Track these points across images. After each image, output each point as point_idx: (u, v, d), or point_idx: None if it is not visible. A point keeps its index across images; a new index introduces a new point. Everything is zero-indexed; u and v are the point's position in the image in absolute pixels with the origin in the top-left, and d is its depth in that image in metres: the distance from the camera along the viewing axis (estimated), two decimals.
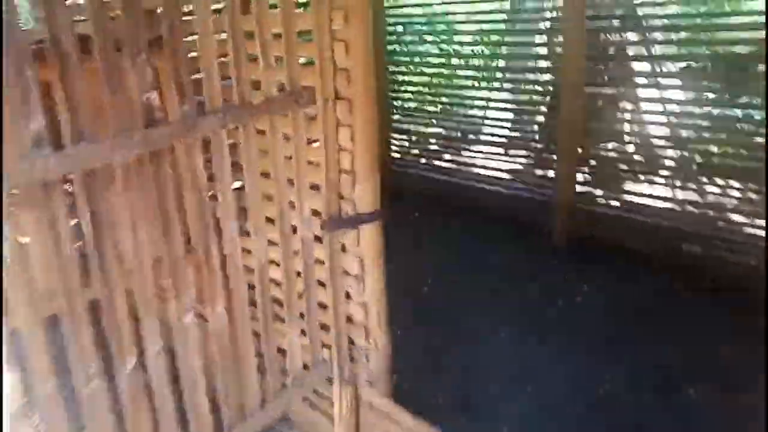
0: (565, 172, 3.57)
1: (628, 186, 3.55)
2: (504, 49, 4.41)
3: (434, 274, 3.32)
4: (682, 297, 2.95)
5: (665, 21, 3.60)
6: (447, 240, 3.77)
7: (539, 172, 3.92)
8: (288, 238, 1.75)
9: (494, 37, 4.27)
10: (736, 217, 3.18)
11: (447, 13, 4.43)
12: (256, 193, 1.63)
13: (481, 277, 3.29)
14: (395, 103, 4.57)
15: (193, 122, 1.40)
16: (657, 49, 3.53)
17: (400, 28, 4.45)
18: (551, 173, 3.76)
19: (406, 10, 4.57)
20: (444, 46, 4.45)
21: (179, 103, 1.38)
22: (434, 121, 4.59)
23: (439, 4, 4.35)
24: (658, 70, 3.57)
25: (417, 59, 4.44)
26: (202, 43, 1.43)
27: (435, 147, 4.55)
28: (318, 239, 1.81)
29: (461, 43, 4.44)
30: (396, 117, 4.57)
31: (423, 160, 4.53)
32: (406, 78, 4.52)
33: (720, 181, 3.35)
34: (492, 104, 4.23)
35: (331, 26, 1.58)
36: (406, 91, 4.61)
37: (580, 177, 3.58)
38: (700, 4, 3.83)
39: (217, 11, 1.48)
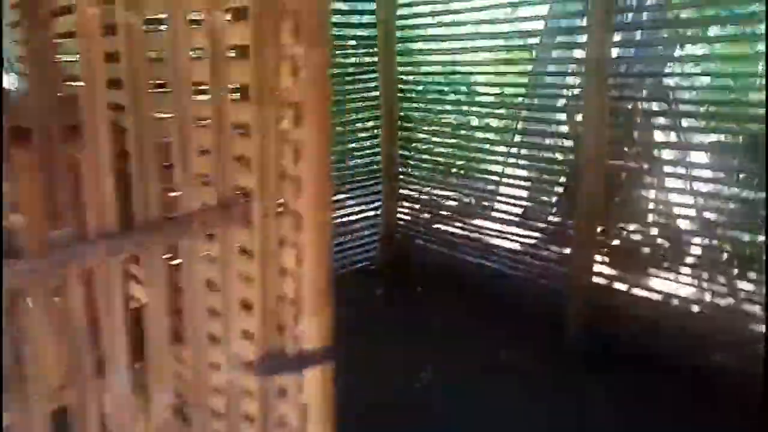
0: (581, 258, 3.17)
1: (652, 278, 3.12)
2: (524, 115, 4.01)
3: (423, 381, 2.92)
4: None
5: (693, 94, 3.26)
6: (444, 331, 3.35)
7: (554, 253, 3.51)
8: (202, 389, 1.36)
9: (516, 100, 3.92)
10: None
11: (466, 72, 4.08)
12: (159, 331, 1.24)
13: (475, 385, 2.85)
14: (404, 169, 4.19)
15: (64, 255, 1.03)
16: (684, 123, 3.17)
17: (415, 88, 4.11)
18: (567, 252, 3.34)
19: (423, 68, 4.19)
20: (464, 109, 4.10)
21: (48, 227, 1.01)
22: (447, 190, 4.18)
23: (461, 63, 4.00)
24: (684, 142, 3.22)
25: (432, 125, 4.06)
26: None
27: (445, 218, 4.13)
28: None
29: (480, 108, 4.10)
30: (405, 183, 4.19)
31: (433, 231, 4.13)
32: (419, 145, 4.15)
33: (753, 275, 2.93)
34: (508, 177, 3.83)
35: (278, 124, 1.21)
36: (417, 157, 4.21)
37: (597, 265, 3.17)
38: (730, 77, 3.48)
39: None
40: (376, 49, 3.86)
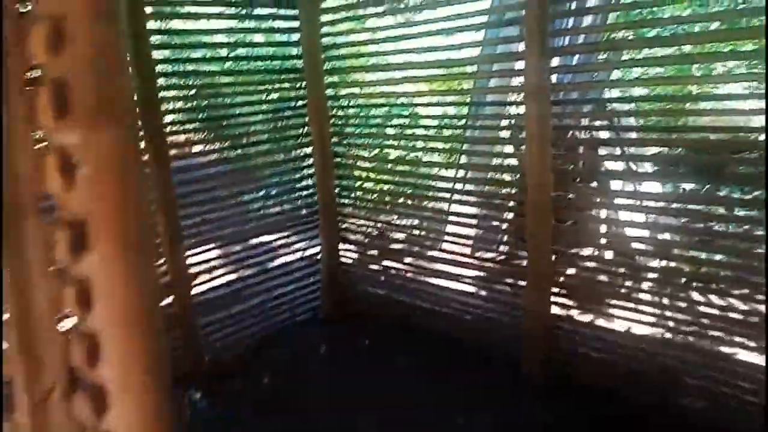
0: (534, 291, 2.95)
1: (609, 306, 2.92)
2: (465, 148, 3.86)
3: None
4: None
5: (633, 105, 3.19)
6: (390, 394, 2.94)
7: (508, 288, 3.27)
8: None
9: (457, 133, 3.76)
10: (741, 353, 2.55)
11: (405, 104, 3.90)
12: None
13: None
14: (343, 208, 3.89)
15: None
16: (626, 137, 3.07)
17: (350, 121, 3.86)
18: (522, 284, 3.11)
19: (357, 101, 3.98)
20: (403, 142, 3.87)
21: None
22: (391, 229, 3.93)
23: (398, 95, 3.78)
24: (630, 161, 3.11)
25: (370, 160, 3.84)
26: None
27: (390, 259, 3.82)
28: None
29: (422, 141, 3.88)
30: (345, 222, 3.89)
31: (377, 274, 3.84)
32: (358, 182, 3.89)
33: (715, 299, 2.77)
34: (454, 215, 3.52)
35: None
36: (356, 195, 3.93)
37: (552, 296, 2.96)
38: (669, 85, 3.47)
39: None
40: (303, 83, 3.62)
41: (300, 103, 3.65)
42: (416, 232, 3.69)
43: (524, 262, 3.08)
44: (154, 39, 3.04)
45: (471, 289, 3.39)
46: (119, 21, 0.72)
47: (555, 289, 2.94)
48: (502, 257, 3.40)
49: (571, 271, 3.06)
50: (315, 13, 3.47)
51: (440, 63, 3.52)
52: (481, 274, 3.37)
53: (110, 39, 0.71)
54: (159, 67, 2.95)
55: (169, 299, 3.07)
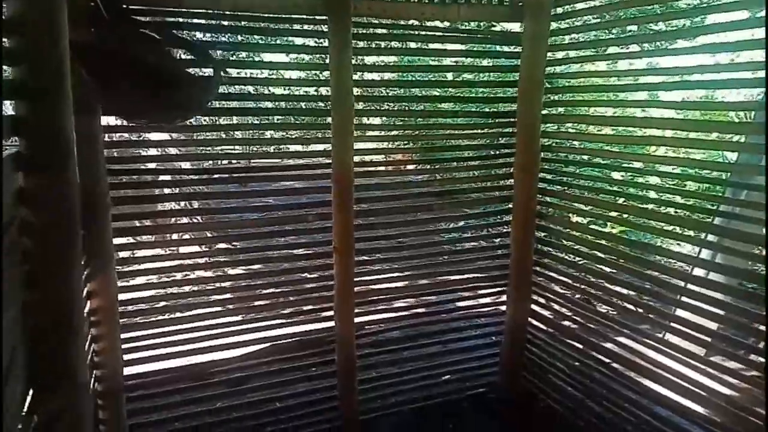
0: None
1: None
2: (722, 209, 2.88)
3: None
4: None
5: None
6: None
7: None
8: None
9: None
10: None
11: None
12: None
13: None
14: (543, 260, 3.31)
15: None
16: None
17: (561, 158, 3.21)
18: None
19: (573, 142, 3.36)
20: (632, 190, 3.15)
21: None
22: (601, 296, 3.16)
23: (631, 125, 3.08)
24: None
25: (586, 205, 3.13)
26: None
27: (594, 332, 3.07)
28: None
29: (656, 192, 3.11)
30: (541, 280, 3.31)
31: (573, 347, 3.16)
32: (566, 229, 3.27)
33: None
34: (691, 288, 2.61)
35: None
36: (562, 246, 3.31)
37: None
38: None
39: None
40: (513, 129, 3.17)
41: (506, 151, 3.23)
42: (631, 306, 2.93)
43: None
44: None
45: (697, 407, 2.54)
46: None
47: None
48: (754, 374, 2.47)
49: None
50: (539, 52, 3.00)
51: (696, 104, 2.75)
52: (717, 387, 2.50)
53: None
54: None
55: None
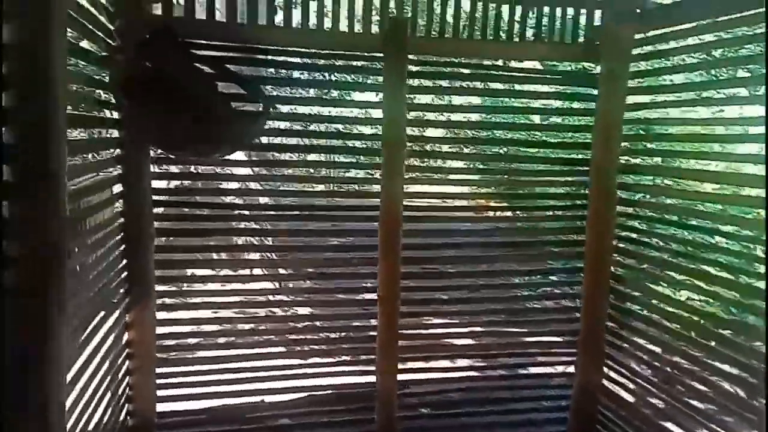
0: None
1: None
2: None
3: None
4: None
5: None
6: None
7: None
8: None
9: None
10: None
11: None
12: None
13: None
14: (616, 329, 2.89)
15: None
16: None
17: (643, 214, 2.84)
18: None
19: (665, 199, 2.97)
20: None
21: None
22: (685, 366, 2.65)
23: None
24: None
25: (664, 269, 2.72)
26: None
27: (678, 414, 2.56)
28: None
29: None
30: (615, 351, 2.87)
31: None
32: (645, 296, 2.80)
33: None
34: None
35: None
36: (642, 315, 2.83)
37: None
38: None
39: None
40: (587, 179, 2.85)
41: (579, 202, 2.91)
42: (721, 399, 2.41)
43: None
44: None
45: None
46: None
47: None
48: None
49: None
50: (616, 94, 2.70)
51: None
52: None
53: None
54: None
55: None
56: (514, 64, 3.11)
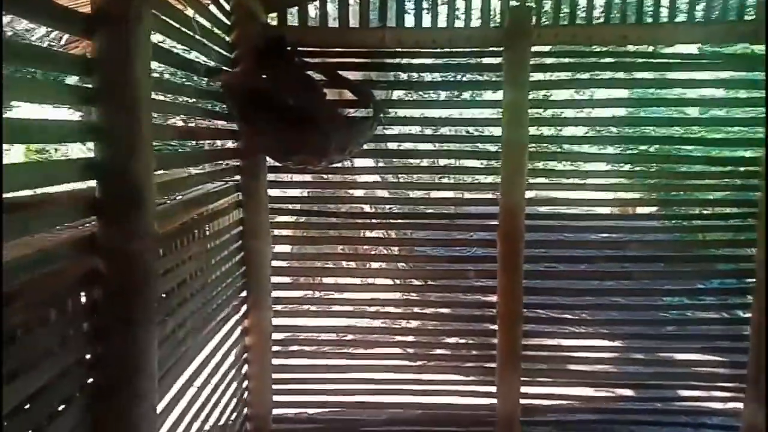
0: None
1: None
2: None
3: None
4: None
5: None
6: None
7: None
8: None
9: None
10: None
11: None
12: None
13: None
14: None
15: None
16: None
17: None
18: None
19: None
20: None
21: None
22: None
23: None
24: None
25: None
26: None
27: None
28: None
29: None
30: None
31: None
32: None
33: None
34: None
35: None
36: None
37: None
38: None
39: None
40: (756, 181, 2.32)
41: (747, 210, 2.41)
42: None
43: None
44: None
45: None
46: None
47: None
48: None
49: None
50: None
51: None
52: None
53: None
54: None
55: None
56: (653, 49, 2.63)
